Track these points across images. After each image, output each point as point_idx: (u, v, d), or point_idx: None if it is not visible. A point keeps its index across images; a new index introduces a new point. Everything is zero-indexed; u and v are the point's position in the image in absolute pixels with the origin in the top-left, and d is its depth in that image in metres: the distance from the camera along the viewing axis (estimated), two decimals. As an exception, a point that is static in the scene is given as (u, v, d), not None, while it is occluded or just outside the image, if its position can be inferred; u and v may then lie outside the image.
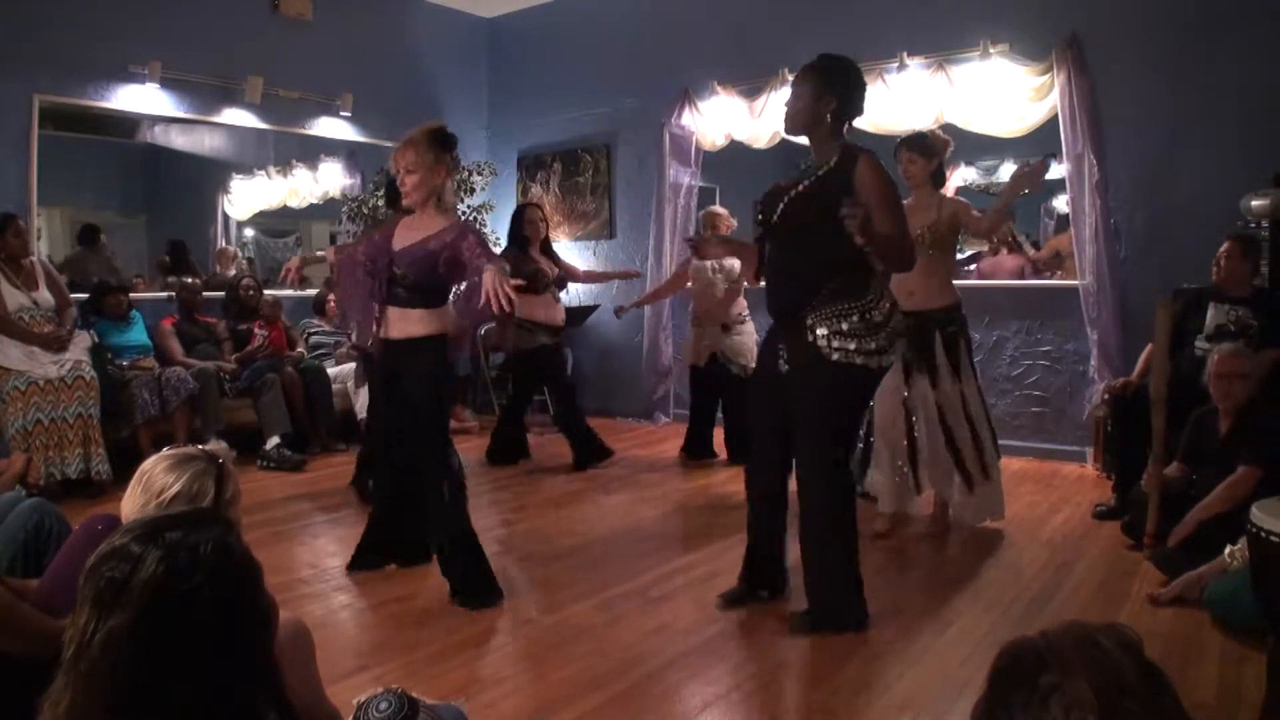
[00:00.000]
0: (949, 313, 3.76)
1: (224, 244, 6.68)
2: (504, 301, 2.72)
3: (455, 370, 3.40)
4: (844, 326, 2.65)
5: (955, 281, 3.93)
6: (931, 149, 3.76)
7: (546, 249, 5.38)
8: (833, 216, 2.54)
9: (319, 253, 3.70)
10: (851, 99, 2.75)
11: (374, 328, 3.20)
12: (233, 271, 6.43)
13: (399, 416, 3.24)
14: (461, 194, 6.83)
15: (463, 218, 6.73)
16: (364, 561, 3.42)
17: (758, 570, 3.04)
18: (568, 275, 5.47)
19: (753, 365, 5.18)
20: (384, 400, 3.33)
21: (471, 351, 5.68)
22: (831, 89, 2.72)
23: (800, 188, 2.71)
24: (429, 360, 3.16)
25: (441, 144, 3.13)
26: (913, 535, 3.88)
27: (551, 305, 5.28)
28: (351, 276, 3.27)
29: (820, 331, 2.66)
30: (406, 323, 3.16)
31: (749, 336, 5.24)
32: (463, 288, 3.14)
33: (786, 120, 2.83)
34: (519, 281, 2.84)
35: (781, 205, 2.73)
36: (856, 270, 2.71)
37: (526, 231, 5.25)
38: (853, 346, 2.64)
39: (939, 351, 3.70)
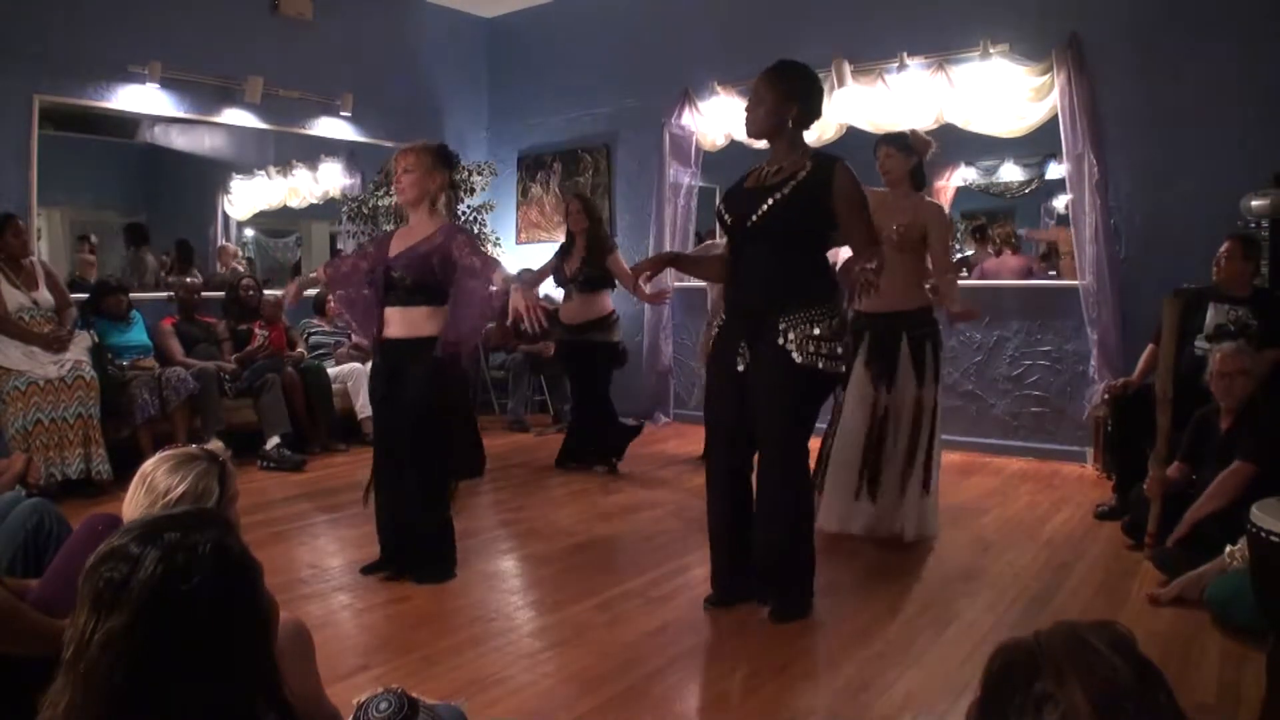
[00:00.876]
0: (918, 316, 3.66)
1: (225, 241, 6.69)
2: (533, 323, 2.93)
3: (462, 373, 3.41)
4: (815, 332, 2.74)
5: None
6: (911, 148, 3.72)
7: (593, 241, 5.09)
8: (810, 222, 2.76)
9: (311, 274, 3.78)
10: (811, 105, 2.86)
11: (374, 327, 3.29)
12: (235, 268, 6.43)
13: (398, 416, 3.25)
14: (462, 194, 6.82)
15: (462, 218, 6.75)
16: (383, 567, 3.38)
17: (729, 572, 3.01)
18: (612, 270, 5.09)
19: None
20: (383, 400, 3.32)
21: (471, 353, 5.64)
22: (794, 96, 2.81)
23: (782, 194, 2.76)
24: (432, 360, 3.20)
25: (443, 158, 3.27)
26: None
27: (567, 305, 5.15)
28: (351, 290, 3.35)
29: (790, 336, 2.74)
30: (411, 321, 3.20)
31: None
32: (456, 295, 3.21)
33: (749, 125, 2.90)
34: (545, 305, 3.02)
35: (764, 208, 2.76)
36: (826, 276, 2.88)
37: (569, 225, 5.20)
38: (813, 350, 2.74)
39: (903, 357, 3.62)
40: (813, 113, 2.87)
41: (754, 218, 2.77)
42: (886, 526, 3.67)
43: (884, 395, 3.64)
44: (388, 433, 3.34)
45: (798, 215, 2.75)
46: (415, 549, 3.31)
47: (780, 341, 2.75)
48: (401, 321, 3.22)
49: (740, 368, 2.84)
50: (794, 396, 2.80)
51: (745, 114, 2.90)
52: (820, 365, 2.75)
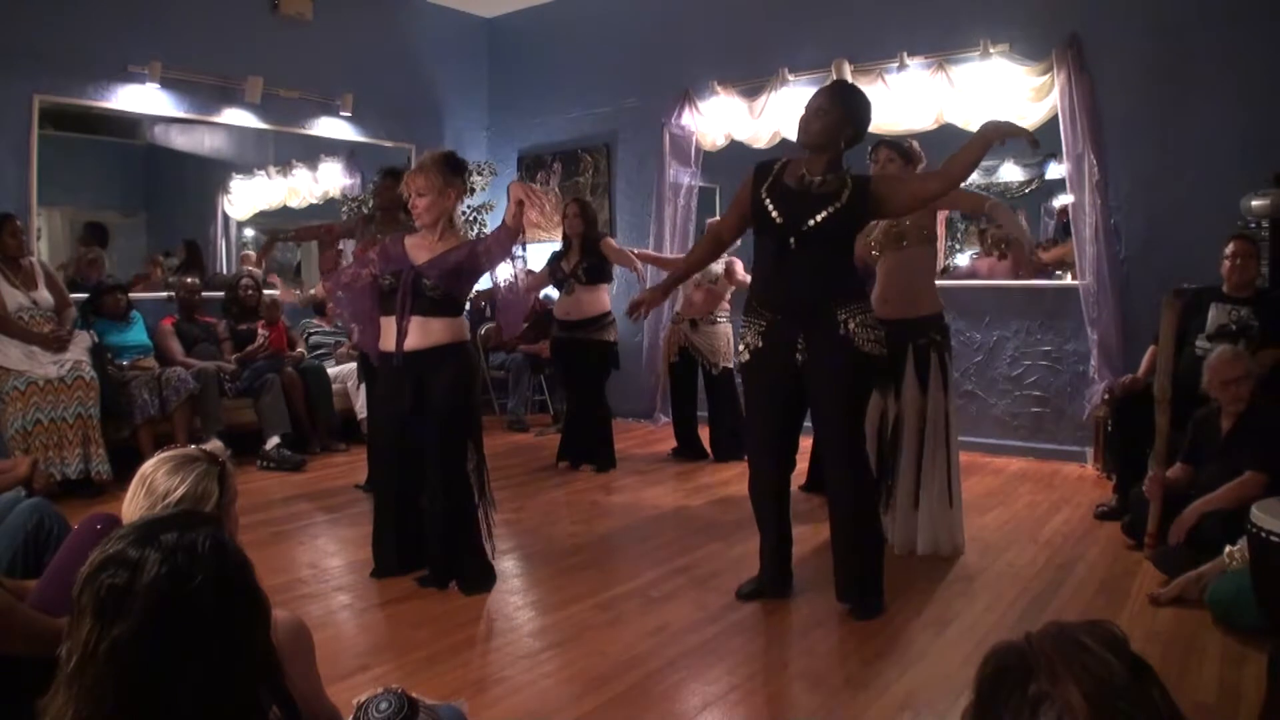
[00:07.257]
0: (925, 323, 3.58)
1: (246, 250, 6.69)
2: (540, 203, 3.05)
3: (483, 374, 3.47)
4: (868, 320, 2.92)
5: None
6: (909, 155, 3.74)
7: (589, 244, 5.13)
8: (858, 228, 3.04)
9: (311, 291, 3.82)
10: (863, 131, 3.04)
11: (381, 344, 3.28)
12: (249, 270, 6.44)
13: (428, 425, 3.20)
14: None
15: (462, 218, 6.76)
16: (393, 569, 3.35)
17: (772, 567, 3.11)
18: (606, 252, 5.13)
19: (720, 363, 5.24)
20: (408, 411, 3.22)
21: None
22: (853, 119, 2.95)
23: (840, 203, 2.89)
24: (457, 365, 3.20)
25: (452, 169, 3.24)
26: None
27: (563, 300, 5.20)
28: (360, 302, 3.32)
29: (851, 325, 2.89)
30: (429, 332, 3.17)
31: (717, 336, 5.29)
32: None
33: (806, 131, 2.95)
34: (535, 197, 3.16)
35: (825, 214, 2.87)
36: (858, 275, 3.09)
37: (565, 228, 5.23)
38: (871, 339, 2.91)
39: (907, 367, 3.56)
40: (861, 138, 3.03)
41: (813, 221, 2.88)
42: (904, 540, 3.58)
43: (891, 404, 3.62)
44: (411, 443, 3.24)
45: (851, 223, 2.96)
46: (455, 557, 3.23)
47: (841, 331, 2.88)
48: (421, 333, 3.17)
49: (799, 359, 2.93)
50: (857, 382, 2.97)
51: (803, 121, 2.96)
52: (875, 351, 2.92)
